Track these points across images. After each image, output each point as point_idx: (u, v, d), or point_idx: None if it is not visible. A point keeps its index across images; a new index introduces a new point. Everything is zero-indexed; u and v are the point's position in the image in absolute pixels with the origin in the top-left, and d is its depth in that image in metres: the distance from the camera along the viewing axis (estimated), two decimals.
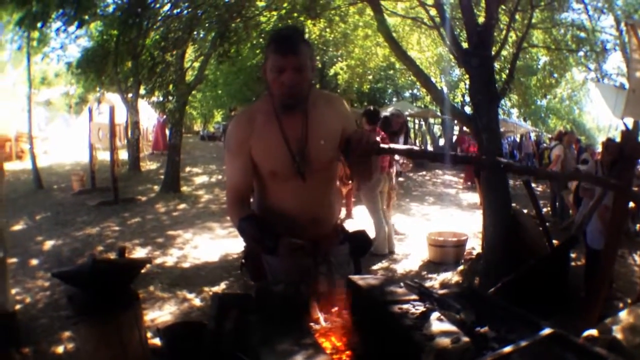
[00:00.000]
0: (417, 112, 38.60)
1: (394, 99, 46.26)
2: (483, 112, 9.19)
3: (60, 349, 7.25)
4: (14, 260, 10.84)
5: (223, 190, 19.65)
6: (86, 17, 15.56)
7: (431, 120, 42.24)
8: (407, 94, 48.44)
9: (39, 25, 15.73)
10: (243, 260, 4.09)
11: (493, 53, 9.93)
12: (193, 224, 15.02)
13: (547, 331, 2.79)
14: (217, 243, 12.82)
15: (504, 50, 17.15)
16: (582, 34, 19.62)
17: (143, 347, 5.51)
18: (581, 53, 21.75)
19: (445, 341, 2.23)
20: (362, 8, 17.23)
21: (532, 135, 43.81)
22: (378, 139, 10.88)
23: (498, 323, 2.94)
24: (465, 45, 9.97)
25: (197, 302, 8.93)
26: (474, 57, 9.24)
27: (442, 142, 42.46)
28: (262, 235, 3.46)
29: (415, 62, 11.58)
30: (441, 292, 3.57)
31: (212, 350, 3.08)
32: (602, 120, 61.31)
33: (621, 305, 8.25)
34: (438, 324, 2.43)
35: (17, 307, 8.25)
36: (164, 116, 29.57)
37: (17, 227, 14.27)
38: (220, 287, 9.51)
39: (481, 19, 10.14)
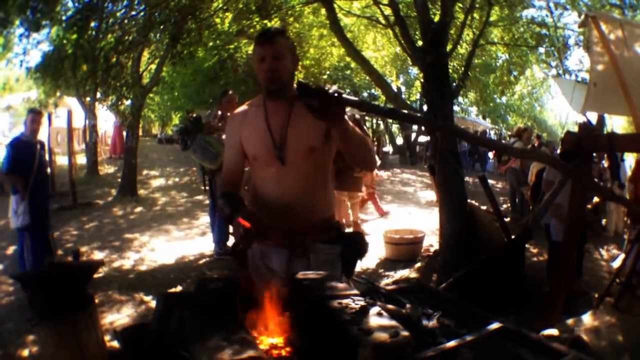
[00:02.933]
0: None
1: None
2: (437, 110, 9.21)
3: (26, 352, 7.24)
4: None
5: (180, 192, 20.25)
6: (44, 22, 15.39)
7: (389, 119, 42.28)
8: (365, 93, 48.44)
9: (1, 31, 15.60)
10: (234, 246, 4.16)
11: (448, 50, 9.96)
12: (150, 226, 15.03)
13: (495, 325, 2.81)
14: (173, 245, 12.84)
15: (461, 48, 17.21)
16: (544, 31, 19.62)
17: (101, 349, 5.45)
18: (542, 50, 21.78)
19: (383, 335, 2.20)
20: (317, 8, 17.16)
21: (492, 132, 43.97)
22: None
23: (447, 318, 2.95)
24: (420, 43, 9.99)
25: (154, 304, 8.74)
26: (428, 55, 9.26)
27: (400, 141, 42.54)
28: (225, 204, 3.67)
29: (368, 61, 11.66)
30: (389, 287, 3.57)
31: (155, 350, 3.07)
32: (564, 117, 61.74)
33: (592, 295, 8.34)
34: (377, 318, 2.41)
35: None
36: (120, 119, 29.61)
37: None
38: (177, 290, 9.47)
39: (437, 18, 10.13)
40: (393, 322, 2.36)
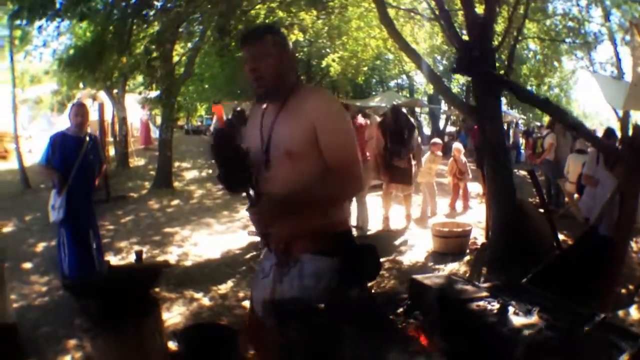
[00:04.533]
0: (405, 102, 37.67)
1: (379, 89, 45.97)
2: (486, 103, 9.22)
3: (67, 359, 6.83)
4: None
5: (215, 184, 19.62)
6: (92, 4, 15.32)
7: (417, 110, 42.06)
8: (391, 83, 48.19)
9: (36, 19, 15.58)
10: None
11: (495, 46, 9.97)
12: (189, 220, 14.81)
13: (600, 317, 2.87)
14: (216, 239, 12.66)
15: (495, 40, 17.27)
16: (573, 24, 19.76)
17: (164, 354, 5.28)
18: (569, 41, 21.95)
19: (531, 333, 2.45)
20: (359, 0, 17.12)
21: (521, 123, 43.73)
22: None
23: (545, 312, 2.97)
24: (465, 37, 9.99)
25: (205, 301, 8.69)
26: (476, 49, 9.25)
27: (428, 131, 42.49)
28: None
29: (419, 55, 11.63)
30: (485, 285, 3.56)
31: None
32: (588, 108, 62.30)
33: (623, 291, 8.20)
34: (517, 317, 2.66)
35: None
36: (147, 112, 29.52)
37: (6, 230, 13.91)
38: (228, 285, 9.34)
39: (479, 10, 10.12)
40: (533, 320, 2.51)
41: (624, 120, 20.68)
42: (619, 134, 14.23)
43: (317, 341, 2.75)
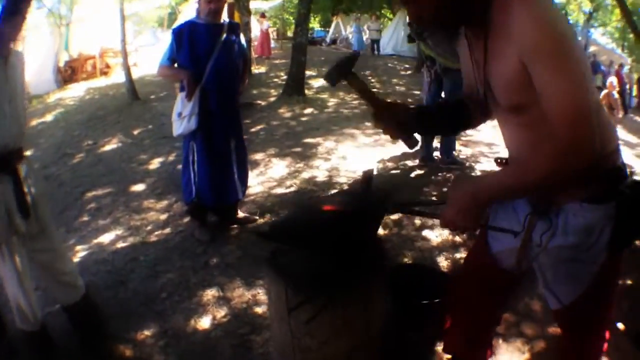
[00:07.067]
0: None
1: None
2: None
3: (206, 323, 5.18)
4: (107, 190, 9.41)
5: (348, 93, 18.40)
6: None
7: None
8: None
9: None
10: None
11: None
12: (329, 130, 13.42)
13: None
14: (365, 153, 11.16)
15: None
16: None
17: (385, 312, 3.61)
18: None
19: None
20: None
21: (626, 67, 40.74)
22: None
23: None
24: None
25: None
26: None
27: None
28: None
29: None
30: None
31: None
32: None
33: None
34: None
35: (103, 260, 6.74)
36: (265, 22, 29.13)
37: (109, 147, 12.88)
38: None
39: None
40: None
41: None
42: None
43: None
